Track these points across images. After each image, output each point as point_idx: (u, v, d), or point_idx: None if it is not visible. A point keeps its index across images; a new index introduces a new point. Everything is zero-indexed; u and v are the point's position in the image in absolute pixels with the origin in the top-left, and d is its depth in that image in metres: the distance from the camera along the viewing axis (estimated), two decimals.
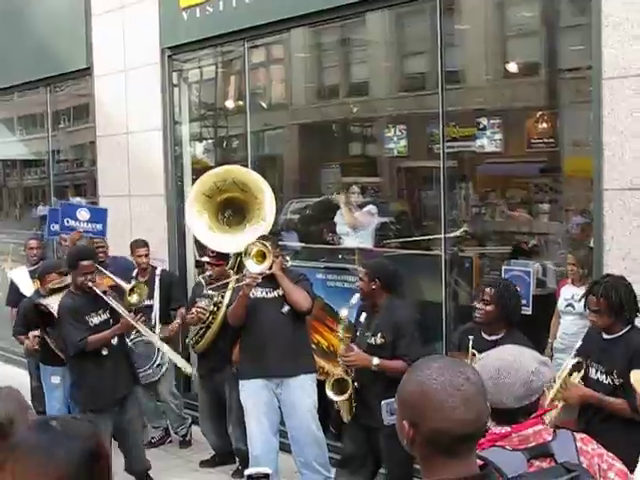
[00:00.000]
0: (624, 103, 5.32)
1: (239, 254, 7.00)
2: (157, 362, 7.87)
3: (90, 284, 6.55)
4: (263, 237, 6.53)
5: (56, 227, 9.02)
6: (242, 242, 6.71)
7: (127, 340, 7.27)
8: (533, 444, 2.71)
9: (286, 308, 6.42)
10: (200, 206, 7.30)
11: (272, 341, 6.39)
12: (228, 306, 6.78)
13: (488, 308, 5.11)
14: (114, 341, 6.71)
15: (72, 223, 8.68)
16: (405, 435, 2.08)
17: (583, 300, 4.87)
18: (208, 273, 7.25)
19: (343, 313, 5.91)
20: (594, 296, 4.67)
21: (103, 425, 6.55)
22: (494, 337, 5.08)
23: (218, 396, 7.41)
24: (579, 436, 2.80)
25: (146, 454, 7.19)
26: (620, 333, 4.67)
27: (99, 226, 8.73)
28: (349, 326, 5.93)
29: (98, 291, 6.57)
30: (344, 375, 5.82)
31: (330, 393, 5.87)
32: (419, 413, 2.04)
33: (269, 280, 6.36)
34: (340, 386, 5.85)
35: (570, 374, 4.75)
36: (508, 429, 2.75)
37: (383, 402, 5.53)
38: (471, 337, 5.17)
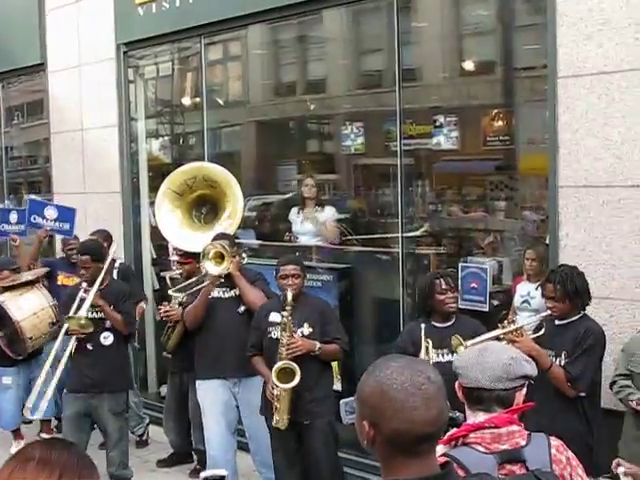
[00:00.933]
0: (579, 101, 5.39)
1: None
2: None
3: (84, 280, 6.51)
4: (221, 236, 6.50)
5: (6, 227, 8.82)
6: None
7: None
8: (506, 446, 2.71)
9: (242, 308, 6.40)
10: (170, 204, 7.27)
11: (228, 341, 6.36)
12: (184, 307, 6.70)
13: (456, 294, 5.39)
14: (107, 341, 6.56)
15: (39, 220, 8.45)
16: (365, 435, 2.07)
17: (540, 288, 5.09)
18: (178, 271, 7.17)
19: (289, 296, 5.75)
20: (551, 283, 4.86)
21: (72, 406, 6.64)
22: (447, 323, 5.32)
23: (183, 395, 7.35)
24: (554, 443, 2.82)
25: (128, 463, 6.95)
26: (572, 319, 4.87)
27: (66, 225, 8.45)
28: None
29: (82, 287, 6.49)
30: (290, 363, 5.66)
31: (277, 383, 5.66)
32: (379, 413, 2.03)
33: (226, 280, 6.34)
34: (286, 375, 5.69)
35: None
36: (481, 420, 2.77)
37: (342, 401, 5.55)
38: (423, 325, 5.26)
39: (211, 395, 6.53)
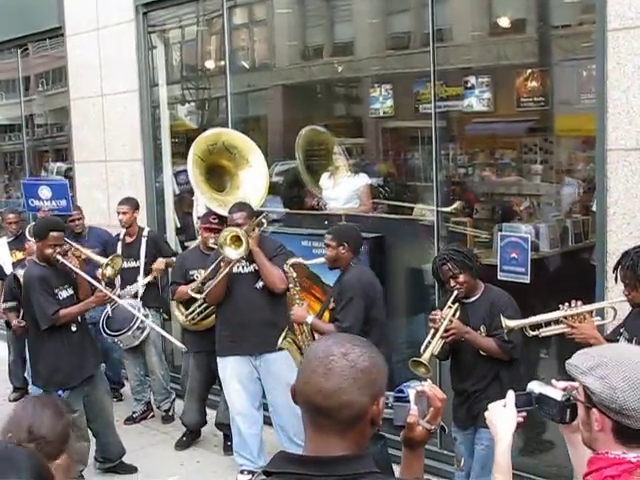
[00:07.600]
0: (631, 56, 4.98)
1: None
2: (137, 325, 7.41)
3: (59, 257, 6.17)
4: (238, 206, 6.32)
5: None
6: None
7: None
8: None
9: (260, 284, 6.30)
10: (199, 170, 7.12)
11: (247, 317, 6.28)
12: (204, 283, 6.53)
13: (461, 279, 5.01)
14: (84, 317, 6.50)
15: (36, 203, 8.44)
16: (292, 395, 2.06)
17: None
18: (212, 240, 6.89)
19: (290, 261, 6.01)
20: (622, 268, 4.38)
21: (75, 404, 6.14)
22: (473, 298, 5.10)
23: (211, 375, 7.11)
24: None
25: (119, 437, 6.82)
26: None
27: (63, 202, 8.38)
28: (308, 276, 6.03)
29: (71, 266, 6.24)
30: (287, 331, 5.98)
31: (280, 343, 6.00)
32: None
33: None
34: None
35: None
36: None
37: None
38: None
39: (231, 369, 6.46)
